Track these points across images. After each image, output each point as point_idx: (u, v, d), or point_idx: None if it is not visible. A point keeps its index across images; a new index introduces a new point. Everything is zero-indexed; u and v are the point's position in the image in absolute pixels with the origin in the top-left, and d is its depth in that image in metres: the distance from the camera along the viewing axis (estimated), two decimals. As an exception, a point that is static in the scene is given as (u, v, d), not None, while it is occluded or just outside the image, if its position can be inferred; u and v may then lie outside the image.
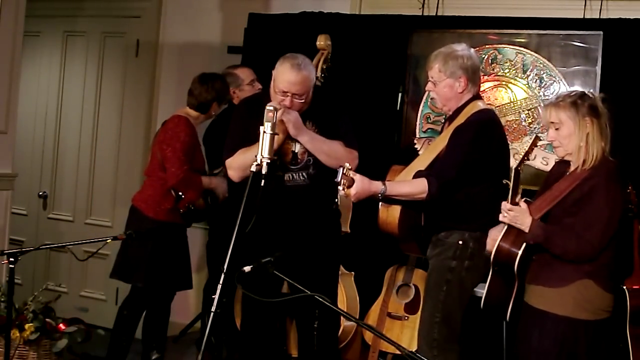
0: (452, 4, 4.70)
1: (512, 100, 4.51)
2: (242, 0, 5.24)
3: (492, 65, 4.55)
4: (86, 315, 4.82)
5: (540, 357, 3.04)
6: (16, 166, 4.59)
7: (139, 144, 5.53)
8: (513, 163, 3.16)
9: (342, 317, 4.04)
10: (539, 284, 3.08)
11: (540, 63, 4.43)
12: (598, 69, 4.29)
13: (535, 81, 4.45)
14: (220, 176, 4.30)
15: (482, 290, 3.35)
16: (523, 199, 3.10)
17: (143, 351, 4.43)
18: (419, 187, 3.36)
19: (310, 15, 4.92)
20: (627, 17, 4.24)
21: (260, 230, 3.25)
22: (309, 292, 2.61)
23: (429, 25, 4.70)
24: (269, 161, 3.17)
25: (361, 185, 3.27)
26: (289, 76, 3.47)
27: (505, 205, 3.07)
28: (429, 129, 4.69)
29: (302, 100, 3.53)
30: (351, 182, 3.24)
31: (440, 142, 3.51)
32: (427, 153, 3.58)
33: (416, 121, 4.72)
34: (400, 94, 4.76)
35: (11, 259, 3.25)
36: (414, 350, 3.14)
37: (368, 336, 4.42)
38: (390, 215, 3.60)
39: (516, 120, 4.49)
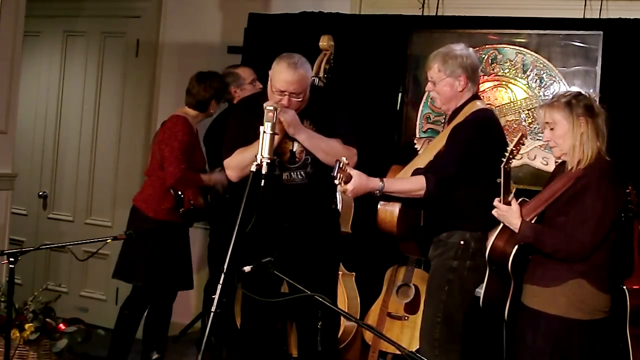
0: (452, 4, 4.70)
1: (512, 100, 4.50)
2: (242, 0, 5.24)
3: (492, 65, 4.55)
4: (86, 315, 4.82)
5: (534, 356, 3.05)
6: (16, 166, 4.59)
7: (139, 144, 5.53)
8: (513, 163, 3.16)
9: (342, 317, 4.04)
10: (533, 283, 3.09)
11: (540, 63, 4.43)
12: (598, 69, 4.29)
13: (535, 81, 4.45)
14: (220, 171, 4.30)
15: (481, 290, 3.36)
16: (519, 200, 3.11)
17: (143, 351, 4.43)
18: (417, 184, 3.36)
19: (310, 15, 4.92)
20: (627, 17, 4.25)
21: (259, 229, 3.25)
22: (309, 292, 2.61)
23: (429, 25, 4.70)
24: (269, 161, 3.17)
25: (359, 181, 3.27)
26: (285, 75, 3.47)
27: (495, 201, 3.08)
28: (429, 129, 4.69)
29: (300, 99, 3.53)
30: (348, 178, 3.24)
31: (439, 141, 3.51)
32: (426, 152, 3.59)
33: (416, 121, 4.72)
34: (400, 94, 4.76)
35: (11, 259, 3.25)
36: (414, 350, 3.14)
37: (368, 336, 4.42)
38: (389, 214, 3.60)
39: (516, 120, 4.49)
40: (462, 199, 3.44)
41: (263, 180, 3.14)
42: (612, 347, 3.53)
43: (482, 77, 4.52)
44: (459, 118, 3.47)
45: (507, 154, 3.00)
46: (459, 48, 3.53)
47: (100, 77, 5.73)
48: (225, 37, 5.34)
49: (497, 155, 3.40)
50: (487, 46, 4.56)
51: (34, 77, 5.88)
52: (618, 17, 4.27)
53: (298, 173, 3.61)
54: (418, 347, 3.65)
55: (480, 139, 3.39)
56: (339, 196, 3.76)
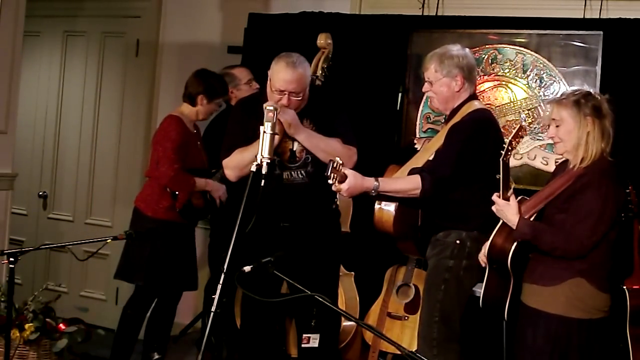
0: (452, 4, 4.70)
1: (512, 100, 4.50)
2: (242, 0, 5.24)
3: (492, 65, 4.55)
4: (86, 315, 4.82)
5: (534, 356, 3.06)
6: (16, 166, 4.59)
7: (139, 144, 5.53)
8: (512, 163, 3.16)
9: (342, 317, 4.03)
10: (533, 282, 3.09)
11: (540, 63, 4.43)
12: (598, 69, 4.29)
13: (535, 81, 4.45)
14: (217, 179, 4.30)
15: (480, 290, 3.36)
16: (519, 198, 3.11)
17: (144, 351, 4.43)
18: (412, 184, 3.36)
19: (310, 15, 4.92)
20: (627, 17, 4.24)
21: (260, 229, 3.25)
22: (309, 292, 2.61)
23: (429, 25, 4.69)
24: (269, 161, 3.17)
25: (354, 180, 3.27)
26: (284, 75, 3.47)
27: (494, 196, 3.08)
28: (429, 129, 4.69)
29: (299, 98, 3.53)
30: (343, 178, 3.24)
31: (437, 141, 3.52)
32: (424, 152, 3.59)
33: (416, 121, 4.72)
34: (400, 94, 4.76)
35: (11, 259, 3.25)
36: (414, 350, 3.14)
37: (368, 336, 4.42)
38: (386, 214, 3.61)
39: (516, 120, 4.48)
40: (459, 199, 3.44)
41: (263, 180, 3.14)
42: (612, 347, 3.53)
43: (482, 77, 4.53)
44: (457, 118, 3.47)
45: (505, 146, 3.00)
46: (455, 48, 3.53)
47: (100, 77, 5.73)
48: (225, 37, 5.34)
49: (494, 155, 3.40)
50: (487, 46, 4.56)
51: (34, 77, 5.88)
52: (618, 17, 4.27)
53: (298, 172, 3.61)
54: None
55: (477, 140, 3.40)
56: (338, 195, 3.76)
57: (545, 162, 4.36)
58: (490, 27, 4.55)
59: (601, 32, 4.27)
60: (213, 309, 2.92)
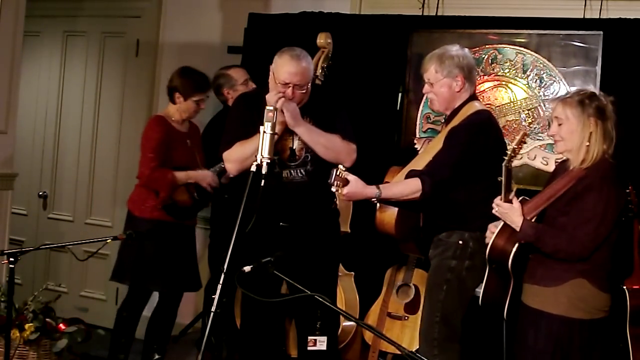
0: (452, 4, 4.70)
1: (512, 100, 4.50)
2: (242, 0, 5.24)
3: (492, 65, 4.54)
4: (86, 315, 4.82)
5: (535, 356, 3.05)
6: (16, 166, 4.59)
7: (139, 144, 5.50)
8: (513, 163, 3.15)
9: (341, 317, 4.03)
10: (534, 283, 3.09)
11: (540, 63, 4.43)
12: (598, 69, 4.29)
13: (535, 81, 4.45)
14: (215, 172, 4.27)
15: (481, 290, 3.36)
16: (520, 198, 3.10)
17: (144, 351, 4.43)
18: (412, 187, 3.37)
19: (310, 15, 4.92)
20: (627, 17, 4.24)
21: (259, 229, 3.24)
22: (309, 292, 2.61)
23: (429, 25, 4.69)
24: (269, 161, 3.17)
25: (355, 186, 3.27)
26: (289, 67, 3.48)
27: (496, 199, 3.08)
28: (429, 129, 4.69)
29: (303, 91, 3.54)
30: (345, 183, 3.24)
31: (437, 144, 3.52)
32: (424, 153, 3.59)
33: (416, 121, 4.72)
34: (400, 94, 4.76)
35: (11, 259, 3.25)
36: (414, 350, 3.14)
37: (368, 336, 4.42)
38: (387, 216, 3.61)
39: (516, 120, 4.48)
40: (461, 200, 3.44)
41: (263, 180, 3.14)
42: (612, 347, 3.53)
43: (482, 77, 4.53)
44: (457, 120, 3.47)
45: (509, 153, 3.00)
46: (454, 49, 3.53)
47: (100, 77, 5.73)
48: (225, 37, 5.34)
49: (494, 156, 3.40)
50: (487, 46, 4.56)
51: (34, 77, 5.88)
52: (618, 17, 4.27)
53: (298, 171, 3.61)
54: (418, 347, 3.65)
55: (477, 142, 3.40)
56: (337, 195, 3.76)
57: (545, 162, 4.36)
58: (490, 27, 4.55)
59: (601, 32, 4.27)
60: (213, 309, 2.92)
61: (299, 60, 3.50)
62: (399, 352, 2.52)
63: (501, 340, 3.94)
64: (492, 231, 3.15)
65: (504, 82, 4.53)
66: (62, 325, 3.96)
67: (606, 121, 3.04)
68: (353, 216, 4.38)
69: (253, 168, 3.16)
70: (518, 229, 3.02)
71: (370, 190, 3.33)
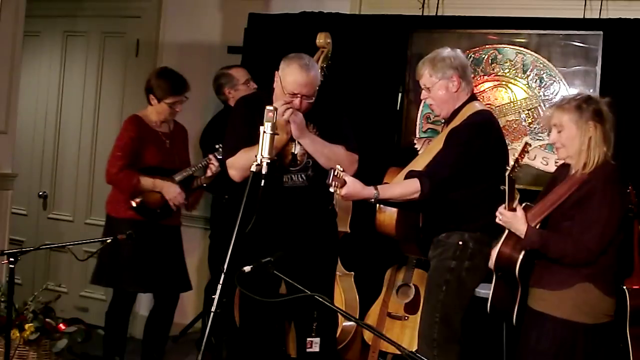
0: (452, 4, 4.70)
1: (512, 100, 4.50)
2: (242, 0, 5.24)
3: (492, 65, 4.55)
4: (86, 315, 4.83)
5: (537, 358, 3.04)
6: (16, 166, 4.59)
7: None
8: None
9: (341, 317, 4.03)
10: (540, 287, 3.08)
11: (540, 63, 4.43)
12: (598, 69, 4.29)
13: (535, 81, 4.45)
14: (171, 181, 4.19)
15: (484, 291, 3.35)
16: (523, 204, 3.09)
17: (143, 352, 4.42)
18: (411, 188, 3.36)
19: (310, 15, 4.92)
20: (627, 17, 4.25)
21: (259, 230, 3.24)
22: (308, 292, 2.60)
23: (429, 25, 4.69)
24: (269, 161, 3.17)
25: (352, 187, 3.26)
26: (298, 78, 3.46)
27: (500, 208, 3.07)
28: (429, 129, 4.69)
29: (311, 101, 3.53)
30: (343, 184, 3.24)
31: (437, 144, 3.51)
32: (424, 154, 3.59)
33: (416, 121, 4.72)
34: (400, 94, 4.76)
35: (11, 259, 3.24)
36: (414, 350, 3.14)
37: (368, 336, 4.42)
38: (387, 216, 3.60)
39: (516, 120, 4.49)
40: (461, 200, 3.43)
41: (263, 181, 3.14)
42: (612, 347, 3.53)
43: (482, 77, 4.53)
44: (457, 120, 3.47)
45: (512, 163, 2.99)
46: (445, 51, 3.54)
47: (100, 77, 5.72)
48: (225, 37, 5.34)
49: (495, 157, 3.41)
50: (487, 46, 4.56)
51: (34, 77, 5.88)
52: (618, 17, 4.27)
53: (299, 176, 3.61)
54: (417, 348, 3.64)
55: (477, 142, 3.39)
56: (335, 196, 3.76)
57: (545, 162, 4.36)
58: (490, 27, 4.55)
59: (601, 32, 4.27)
60: (213, 309, 2.92)
61: (308, 70, 3.47)
62: (399, 352, 2.51)
63: (501, 341, 3.95)
64: (501, 212, 3.10)
65: (504, 82, 4.53)
66: (62, 325, 3.95)
67: (605, 123, 3.03)
68: (353, 216, 4.38)
69: (253, 168, 3.15)
70: (523, 237, 3.01)
71: (368, 192, 3.32)
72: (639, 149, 4.16)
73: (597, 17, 4.32)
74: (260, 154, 3.16)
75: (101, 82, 5.72)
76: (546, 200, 3.08)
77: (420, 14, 4.74)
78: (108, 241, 3.58)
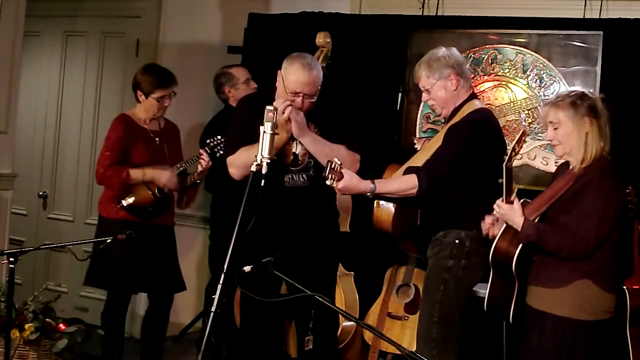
0: (452, 4, 4.70)
1: (512, 100, 4.50)
2: (242, 0, 5.24)
3: (492, 65, 4.54)
4: (86, 315, 4.83)
5: (539, 358, 3.04)
6: (16, 166, 4.59)
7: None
8: (513, 163, 3.15)
9: (341, 317, 4.03)
10: (538, 285, 3.08)
11: (540, 63, 4.43)
12: (598, 69, 4.29)
13: (535, 81, 4.45)
14: (167, 170, 4.17)
15: (483, 291, 3.35)
16: (522, 200, 3.10)
17: (142, 352, 4.42)
18: (409, 183, 3.36)
19: (310, 15, 4.92)
20: (627, 17, 4.24)
21: (260, 230, 3.24)
22: (308, 292, 2.61)
23: (429, 25, 4.69)
24: (269, 161, 3.17)
25: (349, 180, 3.27)
26: (300, 77, 3.46)
27: (497, 201, 3.07)
28: (429, 129, 4.69)
29: (313, 100, 3.53)
30: (340, 177, 3.25)
31: (436, 141, 3.52)
32: (423, 151, 3.59)
33: (416, 121, 4.72)
34: (400, 94, 4.76)
35: (11, 259, 3.24)
36: (414, 350, 3.14)
37: (368, 336, 4.42)
38: (384, 213, 3.61)
39: (516, 120, 4.49)
40: (458, 198, 3.44)
41: (263, 181, 3.14)
42: (614, 343, 3.53)
43: (482, 77, 4.53)
44: (457, 118, 3.47)
45: (508, 152, 3.00)
46: (440, 51, 3.55)
47: (100, 77, 5.72)
48: (225, 37, 5.33)
49: (493, 155, 3.41)
50: (487, 46, 4.56)
51: (34, 77, 5.88)
52: (618, 17, 4.27)
53: (300, 176, 3.61)
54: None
55: (476, 140, 3.39)
56: (337, 197, 3.76)
57: (545, 162, 4.36)
58: (490, 27, 4.55)
59: (601, 32, 4.27)
60: (213, 309, 2.92)
61: (310, 69, 3.47)
62: (399, 352, 2.52)
63: (501, 341, 3.94)
64: (488, 222, 3.14)
65: (504, 82, 4.53)
66: (62, 325, 3.95)
67: (600, 119, 3.04)
68: (353, 216, 4.38)
69: (253, 168, 3.15)
70: (519, 230, 3.02)
71: (365, 185, 3.32)
72: (639, 148, 4.15)
73: (597, 17, 4.32)
74: (260, 154, 3.16)
75: (101, 82, 5.72)
76: (544, 195, 3.09)
77: (420, 14, 4.74)
78: (108, 241, 3.57)
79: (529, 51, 4.46)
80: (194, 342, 4.88)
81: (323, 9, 4.92)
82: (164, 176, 4.15)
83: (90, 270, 4.27)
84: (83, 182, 5.75)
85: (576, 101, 3.04)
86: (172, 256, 4.34)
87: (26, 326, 3.79)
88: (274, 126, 3.21)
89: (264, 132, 3.19)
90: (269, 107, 3.25)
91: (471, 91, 3.59)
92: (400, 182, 3.42)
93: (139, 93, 4.22)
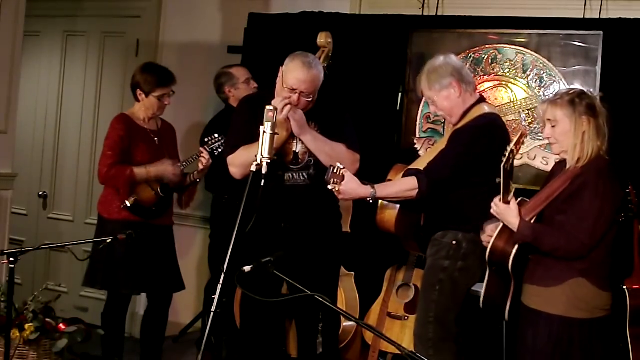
0: (452, 4, 4.70)
1: (512, 100, 4.50)
2: (242, 0, 5.24)
3: (492, 65, 4.54)
4: (86, 315, 4.83)
5: (534, 357, 3.05)
6: (16, 166, 4.59)
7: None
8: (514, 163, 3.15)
9: (342, 317, 4.03)
10: (533, 283, 3.08)
11: (540, 63, 4.43)
12: (598, 69, 4.29)
13: (535, 81, 4.45)
14: (170, 164, 4.18)
15: (481, 290, 3.35)
16: (519, 199, 3.10)
17: (142, 352, 4.42)
18: (408, 185, 3.37)
19: (310, 15, 4.92)
20: (627, 17, 4.24)
21: (260, 230, 3.24)
22: (309, 292, 2.60)
23: (429, 25, 4.69)
24: (268, 161, 3.17)
25: (350, 185, 3.28)
26: (299, 74, 3.47)
27: (495, 199, 3.07)
28: (429, 129, 4.69)
29: (310, 99, 3.53)
30: (342, 180, 3.25)
31: (442, 144, 3.52)
32: (429, 154, 3.60)
33: (416, 121, 4.72)
34: (400, 94, 4.76)
35: (11, 259, 3.24)
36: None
37: (368, 336, 4.42)
38: (388, 213, 3.61)
39: (516, 120, 4.48)
40: (459, 200, 3.44)
41: (263, 180, 3.14)
42: (612, 346, 3.53)
43: (482, 77, 4.53)
44: (463, 122, 3.48)
45: (507, 154, 2.99)
46: (437, 61, 3.54)
47: (100, 77, 5.73)
48: (225, 37, 5.33)
49: (497, 160, 3.40)
50: (487, 46, 4.56)
51: (34, 77, 5.88)
52: (618, 17, 4.27)
53: (300, 174, 3.61)
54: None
55: (479, 144, 3.39)
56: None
57: (545, 162, 4.36)
58: (490, 27, 4.55)
59: (601, 32, 4.27)
60: (213, 309, 2.92)
61: (310, 68, 3.48)
62: (399, 352, 2.52)
63: (500, 341, 3.94)
64: (489, 234, 3.14)
65: (504, 82, 4.53)
66: (62, 325, 3.95)
67: (598, 118, 3.03)
68: (353, 216, 4.38)
69: (253, 168, 3.16)
70: (515, 230, 3.02)
71: (365, 191, 3.33)
72: (639, 148, 4.15)
73: (597, 17, 4.32)
74: (260, 154, 3.16)
75: (101, 82, 5.72)
76: (540, 195, 3.09)
77: (420, 14, 4.74)
78: (108, 241, 3.57)
79: (529, 51, 4.46)
80: (194, 342, 4.88)
81: (323, 9, 4.92)
82: (168, 170, 4.17)
83: (90, 271, 4.26)
84: (83, 182, 5.75)
85: (575, 99, 3.03)
86: (171, 256, 4.34)
87: (26, 326, 3.79)
88: (274, 126, 3.22)
89: (264, 132, 3.19)
90: (268, 107, 3.26)
91: (478, 94, 3.59)
92: (400, 184, 3.42)
93: (139, 92, 4.22)
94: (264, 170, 3.13)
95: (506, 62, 4.51)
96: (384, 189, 3.40)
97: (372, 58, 4.78)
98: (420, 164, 3.52)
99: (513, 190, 3.10)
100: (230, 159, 3.62)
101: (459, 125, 3.47)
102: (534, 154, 4.41)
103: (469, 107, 3.50)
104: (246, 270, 2.73)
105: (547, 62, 4.42)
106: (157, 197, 4.19)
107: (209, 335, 2.99)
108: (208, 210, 5.02)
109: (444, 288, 3.43)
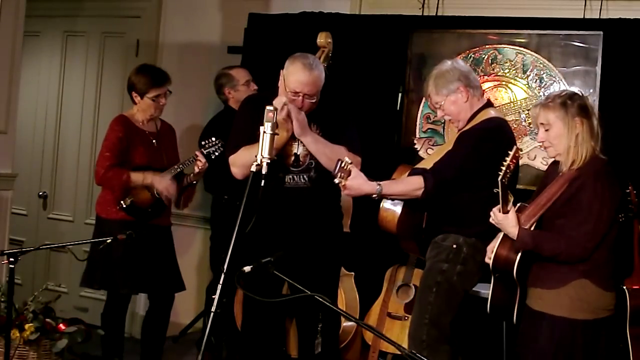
0: (452, 4, 4.70)
1: (512, 100, 4.50)
2: (242, 0, 5.24)
3: (492, 65, 4.54)
4: (86, 315, 4.83)
5: (537, 358, 3.04)
6: (16, 166, 4.59)
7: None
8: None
9: (342, 317, 4.03)
10: (537, 286, 3.08)
11: (540, 63, 4.43)
12: (598, 69, 4.29)
13: (535, 81, 4.45)
14: (164, 175, 4.16)
15: (484, 291, 3.35)
16: (518, 204, 3.10)
17: (142, 352, 4.42)
18: (414, 184, 3.37)
19: (310, 15, 4.92)
20: (627, 17, 4.24)
21: (260, 231, 3.24)
22: (309, 292, 2.60)
23: (429, 25, 4.69)
24: (268, 161, 3.17)
25: (357, 179, 3.28)
26: (300, 76, 3.46)
27: (494, 209, 3.06)
28: (429, 129, 4.69)
29: (313, 101, 3.53)
30: (348, 174, 3.25)
31: (447, 147, 3.53)
32: (434, 155, 3.61)
33: (416, 121, 4.72)
34: (400, 94, 4.76)
35: (11, 259, 3.24)
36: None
37: (368, 336, 4.42)
38: (390, 214, 3.60)
39: (516, 120, 4.49)
40: (462, 203, 3.44)
41: (263, 181, 3.14)
42: (613, 346, 3.53)
43: (482, 77, 4.52)
44: (470, 125, 3.48)
45: (503, 168, 2.98)
46: (445, 66, 3.55)
47: (100, 77, 5.73)
48: (225, 37, 5.33)
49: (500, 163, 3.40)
50: (487, 46, 4.56)
51: (34, 77, 5.88)
52: (618, 17, 4.27)
53: (301, 176, 3.61)
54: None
55: (485, 147, 3.39)
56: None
57: (545, 163, 4.36)
58: (490, 27, 4.55)
59: (601, 32, 4.27)
60: (213, 309, 2.92)
61: (311, 69, 3.47)
62: (399, 352, 2.52)
63: (501, 341, 3.94)
64: (491, 248, 3.12)
65: (504, 82, 4.53)
66: (62, 326, 3.95)
67: (591, 118, 3.03)
68: (353, 216, 4.38)
69: (253, 168, 3.15)
70: (515, 239, 3.02)
71: (371, 187, 3.33)
72: (638, 148, 4.15)
73: (597, 17, 4.32)
74: (260, 154, 3.16)
75: (101, 82, 5.72)
76: (539, 200, 3.08)
77: (420, 14, 4.74)
78: (108, 241, 3.57)
79: (529, 51, 4.46)
80: (194, 342, 4.88)
81: (323, 9, 4.92)
82: (163, 184, 4.14)
83: (88, 271, 4.25)
84: (83, 182, 5.75)
85: (566, 101, 3.03)
86: (170, 256, 4.34)
87: (26, 326, 3.79)
88: (274, 126, 3.21)
89: (264, 132, 3.19)
90: (269, 107, 3.25)
91: (485, 99, 3.59)
92: (406, 183, 3.43)
93: (134, 94, 4.22)
94: (264, 171, 3.13)
95: (506, 62, 4.51)
96: (389, 187, 3.40)
97: (372, 58, 4.78)
98: (426, 164, 3.52)
99: (512, 200, 3.09)
100: (232, 159, 3.62)
101: (465, 129, 3.47)
102: (534, 154, 4.41)
103: (476, 111, 3.51)
104: (246, 271, 2.73)
105: (547, 62, 4.42)
106: (153, 199, 4.18)
107: (209, 336, 2.99)
108: (207, 210, 5.02)
109: (440, 291, 3.43)
